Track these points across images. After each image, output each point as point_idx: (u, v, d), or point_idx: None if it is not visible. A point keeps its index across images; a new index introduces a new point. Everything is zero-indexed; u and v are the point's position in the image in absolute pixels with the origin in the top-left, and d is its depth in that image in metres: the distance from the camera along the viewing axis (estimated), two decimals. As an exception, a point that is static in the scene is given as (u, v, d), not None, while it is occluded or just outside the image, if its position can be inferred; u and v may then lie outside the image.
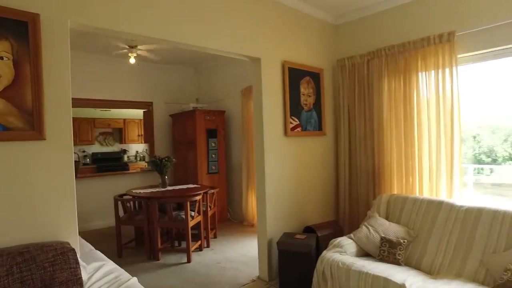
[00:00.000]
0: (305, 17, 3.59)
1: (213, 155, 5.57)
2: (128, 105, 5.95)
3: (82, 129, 7.68)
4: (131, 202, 4.07)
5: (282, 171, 3.29)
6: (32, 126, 1.95)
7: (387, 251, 2.54)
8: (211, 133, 5.57)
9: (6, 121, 1.88)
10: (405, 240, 2.57)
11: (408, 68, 3.15)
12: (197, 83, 6.68)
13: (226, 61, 5.74)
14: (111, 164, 7.86)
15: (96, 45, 4.73)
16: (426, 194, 3.04)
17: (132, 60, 4.37)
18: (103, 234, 5.00)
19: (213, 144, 5.58)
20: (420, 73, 3.07)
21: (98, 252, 3.05)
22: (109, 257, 3.97)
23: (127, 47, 4.26)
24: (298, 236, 3.02)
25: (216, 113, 5.66)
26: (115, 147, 8.53)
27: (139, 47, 4.35)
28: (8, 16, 1.87)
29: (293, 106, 3.42)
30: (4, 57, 1.87)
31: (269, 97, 3.20)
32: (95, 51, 5.15)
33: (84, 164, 7.77)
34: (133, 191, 4.21)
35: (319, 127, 3.70)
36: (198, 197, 3.93)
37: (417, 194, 3.10)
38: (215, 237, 4.66)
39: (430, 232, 2.56)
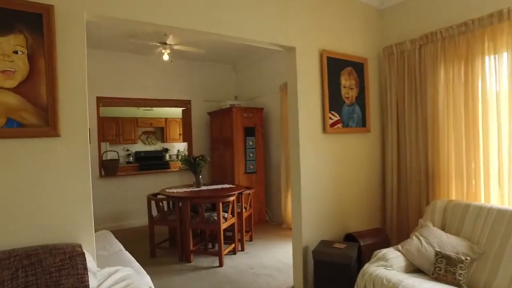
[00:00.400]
0: (346, 0, 3.23)
1: (250, 154, 5.37)
2: (167, 103, 5.97)
3: (125, 129, 7.93)
4: (164, 202, 4.00)
5: (320, 172, 2.97)
6: (47, 122, 1.87)
7: (444, 269, 2.13)
8: (249, 131, 5.37)
9: (21, 117, 1.81)
10: (468, 257, 2.13)
11: (471, 52, 2.66)
12: (235, 80, 6.53)
13: (264, 56, 5.52)
14: (153, 162, 8.01)
15: (133, 44, 4.75)
16: (495, 202, 2.54)
17: (165, 57, 4.30)
18: (141, 232, 5.02)
19: (250, 143, 5.38)
20: (487, 58, 2.57)
21: (126, 253, 2.98)
22: (142, 257, 3.96)
23: (159, 44, 4.19)
24: (337, 245, 2.69)
25: (254, 111, 5.45)
26: (157, 146, 8.71)
27: (174, 44, 4.27)
28: (22, 8, 1.80)
29: (333, 100, 3.08)
30: (19, 51, 1.80)
31: (305, 90, 2.90)
32: (134, 51, 5.20)
33: (128, 162, 8.01)
34: (167, 190, 4.14)
35: (363, 123, 3.32)
36: (231, 198, 3.74)
37: (482, 201, 2.61)
38: (250, 240, 4.45)
39: (502, 249, 2.09)
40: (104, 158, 5.39)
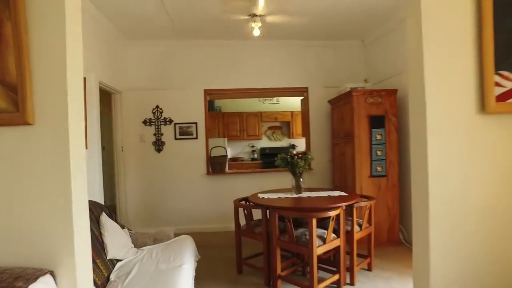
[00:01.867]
0: None
1: (378, 152, 4.05)
2: (280, 92, 5.25)
3: (249, 124, 7.67)
4: (250, 210, 3.27)
5: (470, 185, 1.59)
6: (16, 107, 1.40)
7: None
8: (376, 122, 4.06)
9: (-16, 99, 1.38)
10: None
11: None
12: (364, 59, 5.23)
13: (398, 24, 4.09)
14: None
15: (230, 29, 4.23)
16: None
17: (256, 32, 3.56)
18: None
19: (378, 137, 4.06)
20: None
21: (185, 272, 2.41)
22: (229, 271, 3.36)
23: (248, 16, 3.48)
24: None
25: (383, 94, 4.09)
26: (284, 142, 8.15)
27: (265, 14, 3.49)
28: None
29: (503, 53, 1.63)
30: (-21, 12, 1.38)
31: (440, 37, 1.59)
32: (234, 36, 4.69)
33: (252, 159, 7.75)
34: (259, 194, 3.41)
35: None
36: (331, 213, 2.68)
37: None
38: (369, 269, 3.23)
39: None
40: (213, 155, 5.14)
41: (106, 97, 4.81)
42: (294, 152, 3.84)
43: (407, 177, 4.09)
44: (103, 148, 5.76)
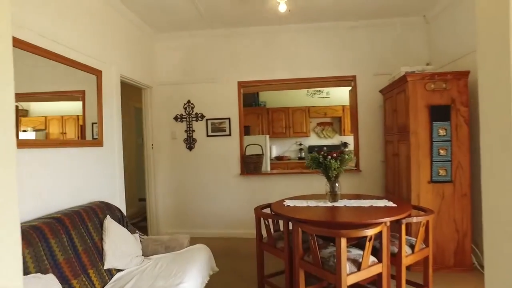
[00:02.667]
0: None
1: (441, 151, 3.22)
2: (323, 83, 4.59)
3: (295, 120, 7.06)
4: (273, 220, 2.74)
5: None
6: None
7: None
8: (439, 113, 3.23)
9: None
10: None
11: None
12: (426, 39, 4.33)
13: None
14: None
15: (269, 14, 3.72)
16: None
17: (282, 7, 2.99)
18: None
19: (441, 132, 3.22)
20: None
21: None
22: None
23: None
24: None
25: (449, 78, 3.24)
26: (335, 140, 7.39)
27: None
28: None
29: None
30: None
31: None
32: (264, 21, 4.16)
33: (300, 158, 7.14)
34: (286, 201, 2.86)
35: None
36: (369, 232, 2.03)
37: None
38: (425, 304, 2.48)
39: None
40: (247, 154, 4.68)
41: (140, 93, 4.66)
42: (344, 148, 3.19)
43: (479, 184, 3.19)
44: (142, 144, 5.63)
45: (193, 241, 4.43)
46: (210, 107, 4.68)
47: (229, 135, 4.63)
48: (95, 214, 2.68)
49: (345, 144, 7.30)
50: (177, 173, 4.74)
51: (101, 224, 2.68)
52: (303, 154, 7.22)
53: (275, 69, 4.55)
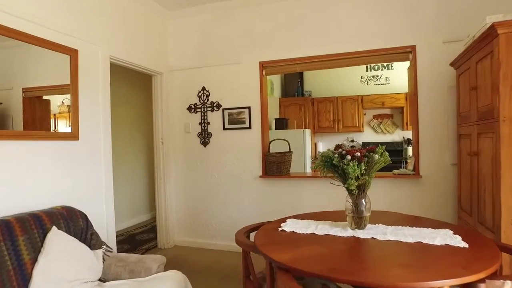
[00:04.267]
0: None
1: (555, 150, 1.95)
2: (368, 57, 3.43)
3: (345, 111, 5.88)
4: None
5: None
6: None
7: None
8: (552, 89, 1.96)
9: None
10: None
11: None
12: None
13: None
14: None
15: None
16: None
17: None
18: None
19: (556, 119, 1.95)
20: None
21: None
22: None
23: None
24: None
25: None
26: (395, 136, 6.03)
27: None
28: None
29: None
30: None
31: None
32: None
33: (350, 157, 5.95)
34: (287, 221, 1.92)
35: None
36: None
37: None
38: None
39: None
40: (271, 151, 3.76)
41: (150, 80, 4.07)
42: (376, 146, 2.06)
43: None
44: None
45: (205, 253, 3.73)
46: (227, 94, 3.89)
47: (249, 127, 3.78)
48: (39, 224, 2.07)
49: (408, 141, 5.90)
50: (191, 173, 4.04)
51: (44, 237, 2.06)
52: (355, 152, 6.01)
53: (304, 43, 3.57)
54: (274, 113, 5.75)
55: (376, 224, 1.81)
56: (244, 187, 3.79)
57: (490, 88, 2.16)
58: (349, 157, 1.62)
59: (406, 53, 3.29)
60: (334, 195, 3.37)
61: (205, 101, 3.97)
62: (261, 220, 3.63)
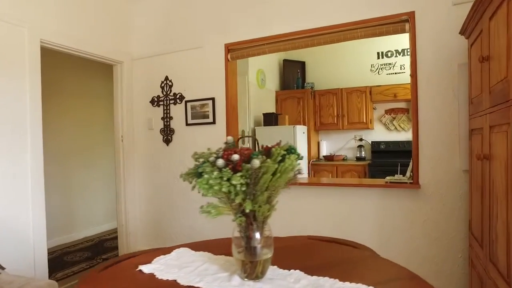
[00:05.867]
0: None
1: None
2: (352, 31, 2.66)
3: (350, 105, 5.05)
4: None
5: None
6: None
7: None
8: None
9: None
10: None
11: None
12: None
13: None
14: (400, 160, 4.50)
15: None
16: None
17: None
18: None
19: None
20: None
21: None
22: None
23: None
24: None
25: None
26: (410, 133, 5.09)
27: None
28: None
29: None
30: None
31: None
32: None
33: (358, 158, 5.12)
34: (153, 261, 1.28)
35: None
36: None
37: None
38: None
39: None
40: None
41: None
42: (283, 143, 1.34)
43: None
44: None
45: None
46: (190, 84, 3.30)
47: (213, 122, 3.16)
48: None
49: (430, 140, 4.96)
50: (153, 175, 3.51)
51: None
52: (364, 153, 5.17)
53: (274, 22, 2.89)
54: (269, 107, 5.09)
55: (290, 270, 1.13)
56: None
57: (505, 53, 1.38)
58: (221, 161, 0.96)
59: (402, 22, 2.50)
60: (339, 208, 2.70)
61: (168, 92, 3.42)
62: (225, 229, 3.02)
